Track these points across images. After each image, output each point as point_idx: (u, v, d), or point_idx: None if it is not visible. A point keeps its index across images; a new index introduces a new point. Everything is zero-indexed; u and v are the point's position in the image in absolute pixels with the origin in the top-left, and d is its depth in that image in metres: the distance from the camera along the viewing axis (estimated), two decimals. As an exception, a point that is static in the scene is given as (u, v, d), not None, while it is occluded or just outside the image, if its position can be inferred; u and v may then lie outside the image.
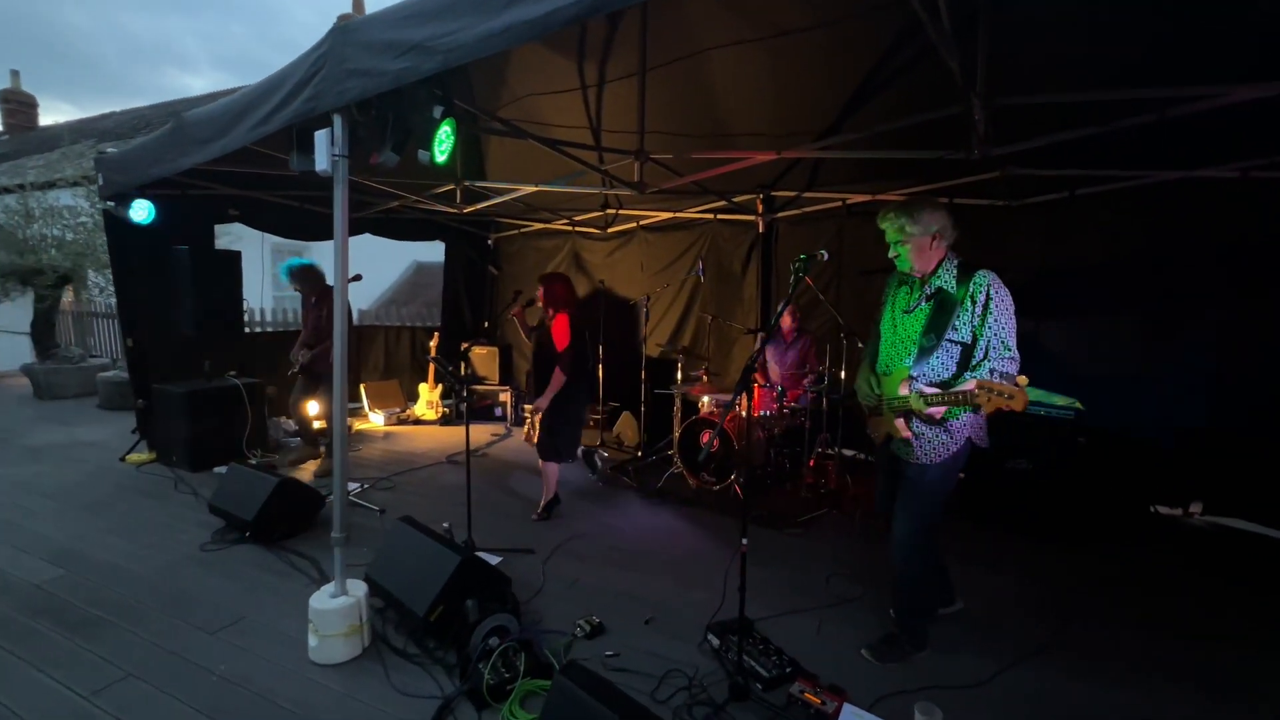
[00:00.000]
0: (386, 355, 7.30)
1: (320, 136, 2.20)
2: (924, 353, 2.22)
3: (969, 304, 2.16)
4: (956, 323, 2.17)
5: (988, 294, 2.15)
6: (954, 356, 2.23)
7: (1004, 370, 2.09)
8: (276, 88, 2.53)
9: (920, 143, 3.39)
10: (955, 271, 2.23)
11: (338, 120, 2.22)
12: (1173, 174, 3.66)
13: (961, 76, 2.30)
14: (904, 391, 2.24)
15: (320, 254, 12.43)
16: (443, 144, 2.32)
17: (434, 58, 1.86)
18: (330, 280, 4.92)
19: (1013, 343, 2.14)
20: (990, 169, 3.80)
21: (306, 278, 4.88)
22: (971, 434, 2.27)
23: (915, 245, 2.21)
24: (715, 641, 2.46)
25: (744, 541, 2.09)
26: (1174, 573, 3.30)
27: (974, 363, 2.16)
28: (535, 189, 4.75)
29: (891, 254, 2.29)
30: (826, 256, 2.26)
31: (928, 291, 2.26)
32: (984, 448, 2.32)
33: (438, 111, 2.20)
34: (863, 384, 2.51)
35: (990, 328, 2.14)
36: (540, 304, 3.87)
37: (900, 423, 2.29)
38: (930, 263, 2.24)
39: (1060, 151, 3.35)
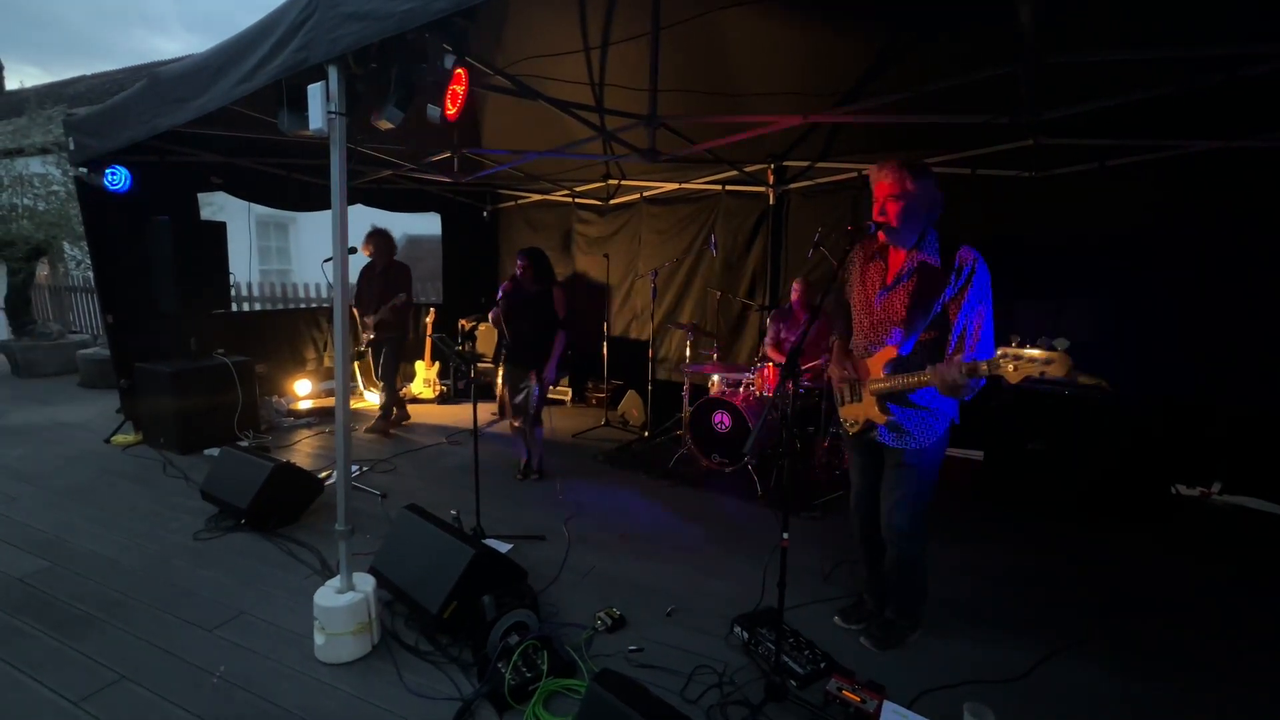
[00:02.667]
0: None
1: (315, 91, 1.97)
2: (913, 330, 2.09)
3: (953, 278, 2.03)
4: (943, 297, 2.05)
5: (973, 268, 2.01)
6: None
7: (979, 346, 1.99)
8: (262, 38, 2.28)
9: (952, 107, 3.18)
10: (938, 246, 2.09)
11: (333, 73, 1.99)
12: (1211, 143, 3.49)
13: (1025, 28, 2.09)
14: (880, 376, 2.13)
15: (310, 225, 12.04)
16: (455, 98, 2.08)
17: (448, -8, 1.62)
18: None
19: (988, 327, 2.00)
20: (1022, 138, 3.61)
21: (382, 244, 4.76)
22: (952, 413, 2.19)
23: (908, 207, 2.04)
24: (744, 635, 2.34)
25: (785, 536, 1.95)
26: (1201, 556, 3.23)
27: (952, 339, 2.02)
28: (540, 156, 4.50)
29: (878, 212, 2.08)
30: (876, 229, 2.08)
31: (911, 266, 2.11)
32: (957, 424, 2.22)
33: (449, 62, 1.97)
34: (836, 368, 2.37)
35: (968, 301, 2.00)
36: (529, 276, 3.86)
37: (876, 408, 2.17)
38: (913, 234, 2.09)
39: (1099, 120, 3.17)
